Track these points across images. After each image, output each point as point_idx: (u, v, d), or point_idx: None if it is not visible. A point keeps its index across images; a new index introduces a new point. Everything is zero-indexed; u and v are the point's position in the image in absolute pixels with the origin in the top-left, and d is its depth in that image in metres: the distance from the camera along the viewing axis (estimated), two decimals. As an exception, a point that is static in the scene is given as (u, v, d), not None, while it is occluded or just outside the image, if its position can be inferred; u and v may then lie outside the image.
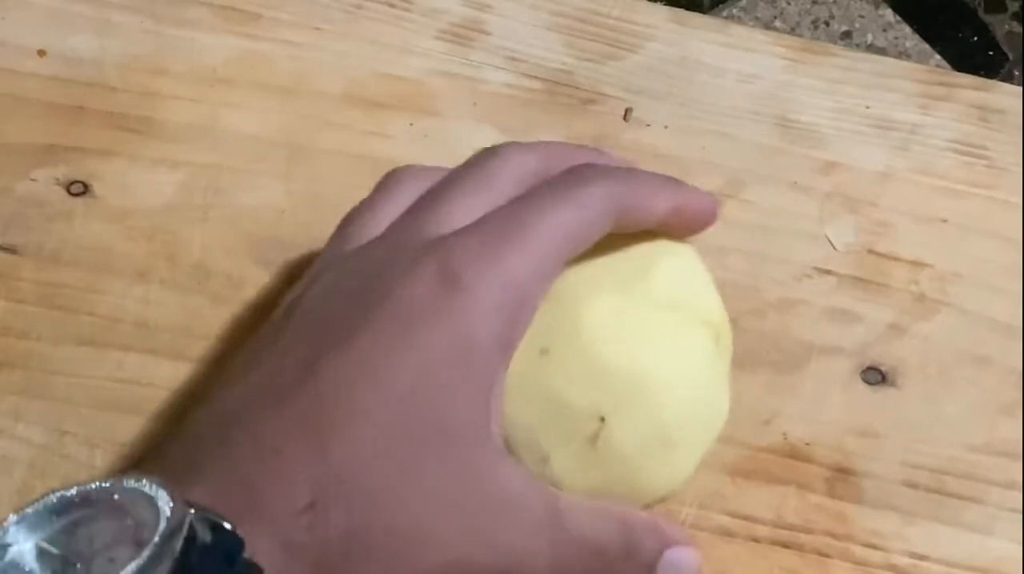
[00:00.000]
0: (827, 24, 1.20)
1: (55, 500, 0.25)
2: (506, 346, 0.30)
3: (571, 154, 0.35)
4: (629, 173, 0.34)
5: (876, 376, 0.42)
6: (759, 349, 0.42)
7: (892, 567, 0.39)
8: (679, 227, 0.35)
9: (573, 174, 0.33)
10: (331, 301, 0.31)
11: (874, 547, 0.39)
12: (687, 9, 0.51)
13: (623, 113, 0.47)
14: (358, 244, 0.33)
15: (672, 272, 0.35)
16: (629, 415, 0.33)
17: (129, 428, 0.39)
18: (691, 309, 0.35)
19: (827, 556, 0.39)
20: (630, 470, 0.33)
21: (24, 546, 0.24)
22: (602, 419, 0.32)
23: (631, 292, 0.34)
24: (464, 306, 0.29)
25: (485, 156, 0.34)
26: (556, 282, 0.33)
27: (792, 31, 1.18)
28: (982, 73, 0.69)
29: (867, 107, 0.48)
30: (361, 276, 0.31)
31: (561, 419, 0.32)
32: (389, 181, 0.35)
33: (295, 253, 0.42)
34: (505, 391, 0.31)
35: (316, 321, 0.31)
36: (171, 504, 0.24)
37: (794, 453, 0.40)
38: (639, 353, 0.33)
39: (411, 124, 0.45)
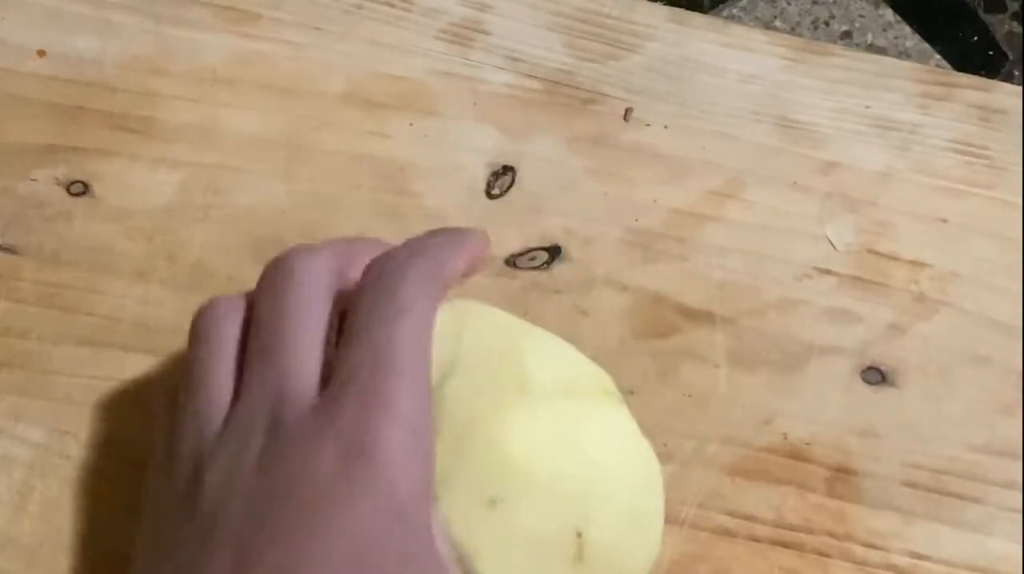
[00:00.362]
0: (827, 24, 1.20)
1: None
2: (427, 479, 0.30)
3: (352, 246, 0.34)
4: (421, 245, 0.33)
5: (876, 376, 0.42)
6: (759, 349, 0.42)
7: (892, 567, 0.39)
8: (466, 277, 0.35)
9: (383, 275, 0.32)
10: (232, 510, 0.29)
11: (874, 547, 0.39)
12: (687, 9, 0.51)
13: (623, 113, 0.47)
14: (215, 422, 0.31)
15: (534, 351, 0.35)
16: (599, 517, 0.33)
17: (129, 428, 0.39)
18: (583, 383, 0.35)
19: (827, 556, 0.39)
20: (618, 563, 0.33)
21: None
22: (579, 534, 0.32)
23: (527, 395, 0.33)
24: (377, 468, 0.28)
25: (280, 276, 0.33)
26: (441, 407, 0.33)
27: (792, 31, 1.18)
28: (982, 73, 0.69)
29: (867, 107, 0.48)
30: (254, 471, 0.29)
31: (541, 557, 0.32)
32: (201, 330, 0.33)
33: (295, 253, 0.42)
34: (472, 557, 0.31)
35: (225, 536, 0.28)
36: None
37: (794, 453, 0.40)
38: (580, 455, 0.33)
39: (411, 124, 0.45)
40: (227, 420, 0.31)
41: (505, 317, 0.36)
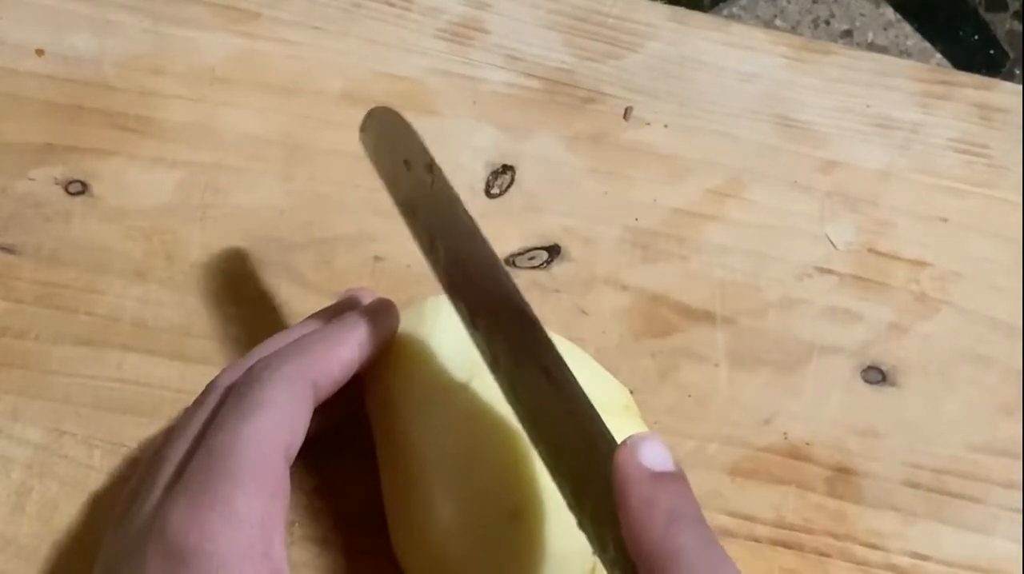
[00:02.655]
0: (827, 23, 1.20)
1: None
2: (273, 564, 0.29)
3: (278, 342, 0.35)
4: (295, 346, 0.34)
5: (877, 375, 0.42)
6: (759, 349, 0.42)
7: (892, 567, 0.39)
8: (377, 350, 0.35)
9: (250, 374, 0.32)
10: None
11: (874, 547, 0.39)
12: (687, 7, 0.51)
13: (623, 112, 0.46)
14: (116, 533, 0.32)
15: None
16: None
17: (128, 428, 0.39)
18: (605, 399, 0.35)
19: (827, 556, 0.39)
20: None
21: None
22: (594, 553, 0.32)
23: None
24: (205, 570, 0.28)
25: (199, 399, 0.34)
26: (460, 425, 0.33)
27: (792, 30, 1.18)
28: (983, 72, 0.69)
29: (867, 106, 0.47)
30: None
31: (557, 572, 0.32)
32: (148, 454, 0.35)
33: (294, 252, 0.42)
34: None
35: None
36: None
37: (794, 453, 0.40)
38: None
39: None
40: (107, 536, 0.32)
41: None
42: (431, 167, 0.33)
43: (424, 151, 0.34)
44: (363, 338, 0.34)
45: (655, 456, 0.27)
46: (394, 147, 0.35)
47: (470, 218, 0.33)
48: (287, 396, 0.31)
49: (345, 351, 0.34)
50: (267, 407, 0.31)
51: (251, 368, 0.33)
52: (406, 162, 0.35)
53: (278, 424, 0.31)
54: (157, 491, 0.30)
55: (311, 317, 0.37)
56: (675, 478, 0.27)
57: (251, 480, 0.29)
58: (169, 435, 0.33)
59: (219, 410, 0.32)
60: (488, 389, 0.34)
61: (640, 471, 0.27)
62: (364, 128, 0.37)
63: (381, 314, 0.36)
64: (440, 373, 0.35)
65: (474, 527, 0.33)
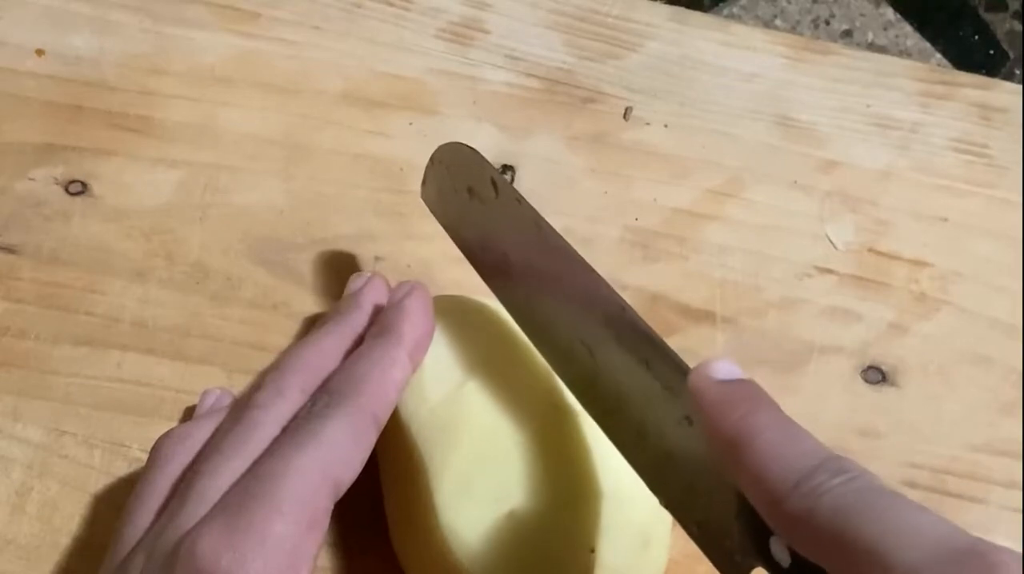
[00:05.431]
0: (827, 23, 1.20)
1: None
2: None
3: (338, 343, 0.34)
4: (361, 371, 0.33)
5: (877, 375, 0.42)
6: (759, 348, 0.42)
7: (893, 567, 0.39)
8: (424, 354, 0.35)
9: (313, 404, 0.32)
10: None
11: (874, 547, 0.39)
12: (687, 8, 0.51)
13: (623, 112, 0.46)
14: (128, 548, 0.31)
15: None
16: (613, 538, 0.33)
17: (128, 428, 0.39)
18: None
19: (827, 556, 0.39)
20: None
21: None
22: (592, 551, 0.32)
23: (555, 408, 0.34)
24: None
25: (245, 405, 0.33)
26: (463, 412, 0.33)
27: (792, 30, 1.18)
28: (983, 71, 0.69)
29: (868, 106, 0.47)
30: None
31: (554, 573, 0.32)
32: (154, 456, 0.34)
33: (294, 252, 0.42)
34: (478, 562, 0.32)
35: None
36: None
37: (794, 453, 0.40)
38: (602, 476, 0.33)
39: (410, 123, 0.45)
40: (133, 548, 0.31)
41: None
42: (494, 181, 0.33)
43: (486, 168, 0.34)
44: (412, 348, 0.34)
45: (725, 369, 0.28)
46: (456, 182, 0.35)
47: (537, 215, 0.33)
48: (347, 435, 0.31)
49: (399, 372, 0.33)
50: (324, 443, 0.30)
51: (313, 402, 0.32)
52: (470, 190, 0.34)
53: (332, 461, 0.30)
54: (191, 508, 0.30)
55: (338, 317, 0.36)
56: (747, 381, 0.28)
57: (290, 509, 0.29)
58: (190, 447, 0.32)
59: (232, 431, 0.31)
60: (485, 390, 0.34)
61: (711, 381, 0.27)
62: (425, 182, 0.37)
63: (422, 315, 0.35)
64: (438, 373, 0.35)
65: (474, 527, 0.33)
